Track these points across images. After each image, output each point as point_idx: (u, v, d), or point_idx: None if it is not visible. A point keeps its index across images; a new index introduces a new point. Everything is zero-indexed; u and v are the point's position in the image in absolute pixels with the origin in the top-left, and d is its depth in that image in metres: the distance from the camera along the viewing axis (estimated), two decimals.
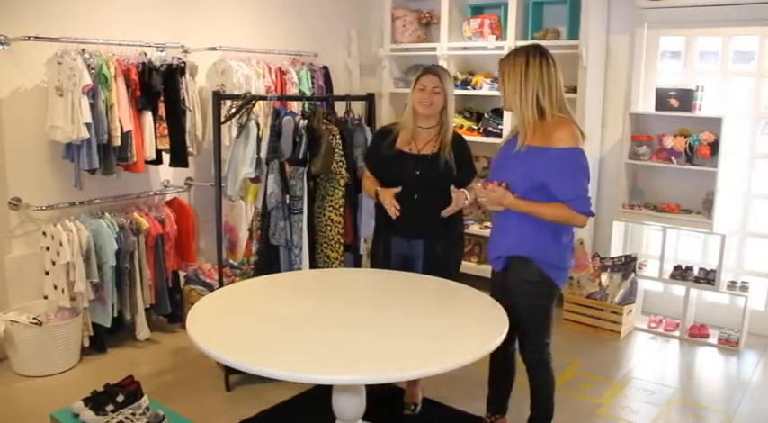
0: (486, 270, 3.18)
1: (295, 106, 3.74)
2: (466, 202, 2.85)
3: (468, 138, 4.30)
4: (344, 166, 3.31)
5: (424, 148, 2.91)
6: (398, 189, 2.85)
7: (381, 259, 3.02)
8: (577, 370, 3.70)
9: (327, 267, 3.35)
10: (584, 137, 2.45)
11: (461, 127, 4.90)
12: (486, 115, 4.86)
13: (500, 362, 2.74)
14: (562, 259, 2.52)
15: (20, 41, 3.42)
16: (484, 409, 2.91)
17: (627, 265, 4.29)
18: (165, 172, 4.20)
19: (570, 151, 2.37)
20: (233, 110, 3.42)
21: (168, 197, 4.21)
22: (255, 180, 3.50)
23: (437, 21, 5.17)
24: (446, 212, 2.82)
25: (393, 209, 2.82)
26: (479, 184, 2.50)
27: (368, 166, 3.09)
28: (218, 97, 3.28)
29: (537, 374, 2.65)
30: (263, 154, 3.34)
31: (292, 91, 4.55)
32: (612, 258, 4.38)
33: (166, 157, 3.96)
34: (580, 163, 2.40)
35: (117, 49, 3.74)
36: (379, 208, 2.96)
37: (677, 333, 4.24)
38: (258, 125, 3.44)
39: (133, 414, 2.72)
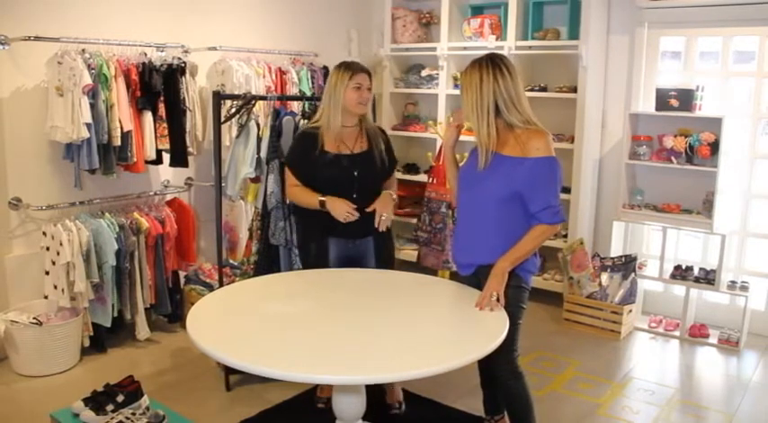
0: None
1: (295, 106, 3.73)
2: (394, 201, 2.93)
3: (467, 138, 4.30)
4: None
5: (355, 148, 2.91)
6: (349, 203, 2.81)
7: (315, 261, 2.96)
8: (577, 370, 3.70)
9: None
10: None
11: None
12: None
13: (486, 364, 2.71)
14: (534, 263, 2.53)
15: (20, 41, 3.42)
16: (483, 409, 2.91)
17: (627, 265, 4.29)
18: (165, 172, 4.20)
19: (546, 160, 2.37)
20: (233, 110, 3.42)
21: (168, 197, 4.21)
22: (255, 180, 3.50)
23: (437, 21, 5.17)
24: (382, 222, 2.84)
25: (351, 216, 2.78)
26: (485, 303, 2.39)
27: (295, 174, 2.95)
28: (218, 97, 3.28)
29: (513, 385, 2.54)
30: (264, 154, 3.34)
31: (292, 91, 4.55)
32: (612, 258, 4.38)
33: (166, 157, 3.96)
34: (554, 172, 2.40)
35: (117, 49, 3.74)
36: (314, 212, 2.88)
37: (677, 333, 4.24)
38: (258, 125, 3.45)
39: (133, 414, 2.72)
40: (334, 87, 2.83)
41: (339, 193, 2.83)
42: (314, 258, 2.96)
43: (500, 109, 2.38)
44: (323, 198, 2.84)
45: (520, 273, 2.47)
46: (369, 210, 2.85)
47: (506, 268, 2.40)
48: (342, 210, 2.79)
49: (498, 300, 2.36)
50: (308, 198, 2.90)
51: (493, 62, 2.39)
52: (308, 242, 3.03)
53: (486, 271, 2.45)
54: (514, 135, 2.40)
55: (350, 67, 2.85)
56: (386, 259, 3.01)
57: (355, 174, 2.87)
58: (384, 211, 2.85)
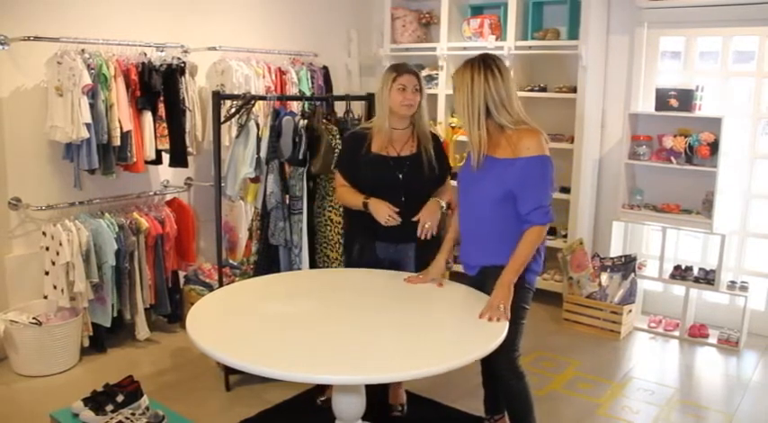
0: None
1: (295, 106, 3.73)
2: (442, 209, 2.82)
3: (466, 138, 4.29)
4: None
5: (402, 150, 2.86)
6: (388, 205, 2.74)
7: (357, 262, 2.93)
8: (577, 370, 3.70)
9: (327, 267, 3.34)
10: (548, 144, 2.43)
11: (461, 127, 4.90)
12: None
13: (488, 363, 2.72)
14: (538, 263, 2.53)
15: (20, 41, 3.42)
16: (483, 409, 2.91)
17: (627, 266, 4.29)
18: (165, 172, 4.20)
19: (537, 159, 2.36)
20: (233, 110, 3.42)
21: (168, 197, 4.21)
22: (255, 180, 3.50)
23: (437, 21, 5.17)
24: (423, 231, 2.75)
25: (392, 219, 2.72)
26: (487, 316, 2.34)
27: (343, 174, 2.93)
28: (218, 97, 3.28)
29: (515, 385, 2.54)
30: (263, 154, 3.34)
31: (292, 91, 4.55)
32: (612, 258, 4.38)
33: (166, 157, 3.96)
34: (545, 172, 2.38)
35: (117, 49, 3.74)
36: (359, 213, 2.84)
37: (677, 333, 4.24)
38: (258, 125, 3.45)
39: (133, 414, 2.72)
40: (381, 89, 2.81)
41: (386, 196, 2.77)
42: (356, 260, 2.94)
43: (490, 111, 2.38)
44: (367, 199, 2.80)
45: (524, 273, 2.47)
46: (415, 219, 2.77)
47: (512, 280, 2.38)
48: (383, 212, 2.73)
49: (504, 310, 2.33)
50: (353, 199, 2.86)
51: (485, 63, 2.38)
52: (351, 243, 3.00)
53: (489, 271, 2.46)
54: (506, 136, 2.41)
55: (395, 69, 2.81)
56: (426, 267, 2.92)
57: (400, 177, 2.82)
58: (428, 219, 2.76)
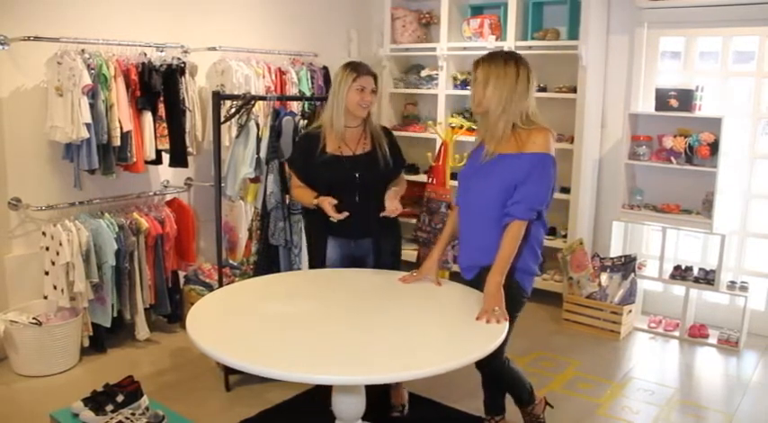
0: None
1: (295, 106, 3.74)
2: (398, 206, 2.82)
3: (466, 138, 4.29)
4: None
5: (357, 149, 2.87)
6: (335, 201, 2.74)
7: (319, 260, 2.96)
8: (577, 370, 3.70)
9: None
10: (555, 144, 2.49)
11: (461, 127, 4.90)
12: None
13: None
14: (534, 266, 2.55)
15: (20, 41, 3.42)
16: (484, 409, 2.91)
17: (627, 266, 4.29)
18: (165, 172, 4.20)
19: (540, 157, 2.40)
20: (233, 110, 3.42)
21: (168, 197, 4.21)
22: (255, 180, 3.50)
23: (437, 21, 5.17)
24: (389, 213, 2.79)
25: (338, 216, 2.73)
26: (484, 319, 2.32)
27: (297, 175, 2.96)
28: (218, 97, 3.28)
29: (502, 379, 2.67)
30: (263, 154, 3.34)
31: (292, 91, 4.55)
32: (612, 258, 4.38)
33: (166, 157, 3.96)
34: (546, 170, 2.41)
35: (117, 49, 3.74)
36: (315, 211, 2.86)
37: (677, 333, 4.24)
38: (258, 125, 3.45)
39: (133, 414, 2.72)
40: (338, 86, 2.81)
41: (342, 195, 2.79)
42: (318, 257, 2.97)
43: (515, 108, 2.42)
44: (316, 200, 2.81)
45: (519, 278, 2.49)
46: (383, 215, 2.79)
47: (499, 282, 2.38)
48: (330, 211, 2.74)
49: (501, 312, 2.33)
50: (306, 198, 2.90)
51: (527, 66, 2.45)
52: (312, 241, 3.05)
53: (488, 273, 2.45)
54: (515, 134, 2.45)
55: (355, 69, 2.81)
56: (386, 262, 2.98)
57: (357, 175, 2.83)
58: (393, 207, 2.78)
